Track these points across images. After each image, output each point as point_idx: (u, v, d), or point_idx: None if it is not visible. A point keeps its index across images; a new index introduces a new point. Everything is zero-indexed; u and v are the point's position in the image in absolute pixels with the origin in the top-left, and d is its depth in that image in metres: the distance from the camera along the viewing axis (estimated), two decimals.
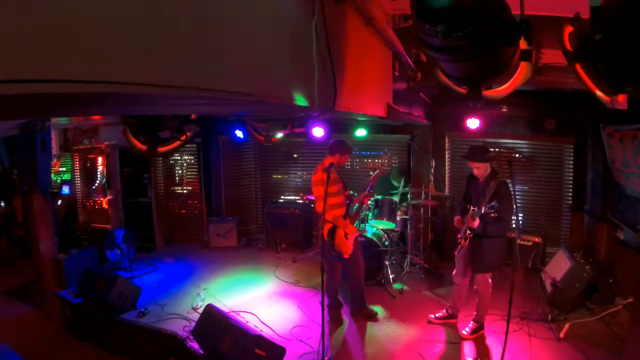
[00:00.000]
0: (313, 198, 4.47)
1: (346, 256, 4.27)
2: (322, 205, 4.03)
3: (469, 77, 2.09)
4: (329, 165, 3.95)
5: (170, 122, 5.12)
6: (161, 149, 5.60)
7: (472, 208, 3.77)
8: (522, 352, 3.69)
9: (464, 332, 4.06)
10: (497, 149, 6.26)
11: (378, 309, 4.71)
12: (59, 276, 5.11)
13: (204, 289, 5.24)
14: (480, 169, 3.89)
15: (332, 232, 4.24)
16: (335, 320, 4.46)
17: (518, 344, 3.82)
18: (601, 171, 5.22)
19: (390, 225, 5.67)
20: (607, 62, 1.88)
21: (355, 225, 4.43)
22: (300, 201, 7.44)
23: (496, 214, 3.60)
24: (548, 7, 2.45)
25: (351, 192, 4.67)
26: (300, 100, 2.01)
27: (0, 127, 4.71)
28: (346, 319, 4.52)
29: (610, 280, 4.52)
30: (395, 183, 6.26)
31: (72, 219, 7.53)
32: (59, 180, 7.87)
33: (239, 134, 6.51)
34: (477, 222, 3.69)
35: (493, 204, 3.58)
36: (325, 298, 4.45)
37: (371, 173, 5.62)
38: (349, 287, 4.68)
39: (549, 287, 4.63)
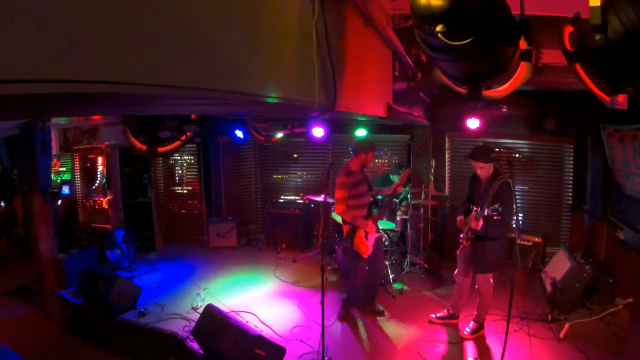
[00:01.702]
0: (314, 197, 4.47)
1: (365, 256, 4.28)
2: (341, 207, 4.16)
3: (469, 77, 2.09)
4: (328, 165, 4.01)
5: (170, 122, 5.13)
6: (161, 149, 5.61)
7: (474, 208, 3.77)
8: (522, 352, 3.69)
9: (464, 332, 4.06)
10: (497, 149, 6.26)
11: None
12: (59, 276, 5.11)
13: (204, 289, 5.24)
14: (484, 169, 3.90)
15: (352, 232, 4.26)
16: (345, 318, 4.47)
17: (518, 344, 3.82)
18: (601, 171, 5.22)
19: (390, 225, 5.68)
20: (607, 62, 1.88)
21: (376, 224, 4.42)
22: (300, 201, 7.44)
23: (499, 217, 3.60)
24: (548, 7, 2.45)
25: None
26: (300, 101, 2.01)
27: (0, 127, 4.71)
28: (347, 319, 4.52)
29: (610, 280, 4.51)
30: (395, 179, 6.24)
31: (72, 219, 7.52)
32: (59, 180, 7.87)
33: (239, 134, 6.51)
34: (480, 224, 3.69)
35: (496, 206, 3.58)
36: (342, 296, 4.48)
37: (400, 171, 5.69)
38: (365, 283, 4.69)
39: (549, 287, 4.63)
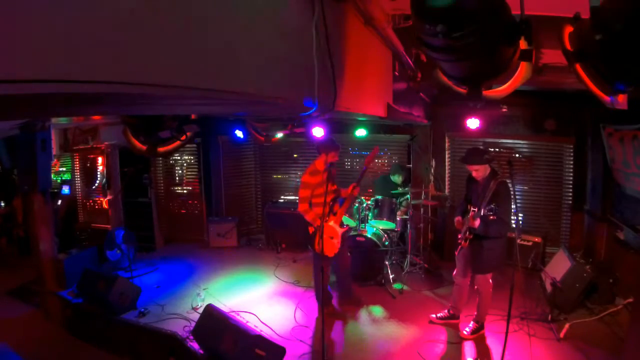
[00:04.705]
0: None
1: (331, 255, 4.31)
2: (304, 206, 4.23)
3: (469, 77, 2.09)
4: (330, 165, 3.99)
5: (170, 122, 5.12)
6: (161, 149, 5.60)
7: (472, 209, 3.77)
8: (522, 352, 3.69)
9: (464, 332, 4.07)
10: (497, 149, 6.26)
11: (378, 309, 4.72)
12: (59, 276, 5.10)
13: (204, 289, 5.24)
14: (479, 171, 3.89)
15: (315, 232, 4.26)
16: (332, 315, 4.47)
17: (518, 344, 3.82)
18: (601, 171, 5.22)
19: (390, 225, 5.67)
20: (607, 62, 1.88)
21: (341, 221, 4.47)
22: None
23: (495, 216, 3.60)
24: (548, 7, 2.45)
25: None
26: (300, 101, 2.01)
27: (0, 127, 4.71)
28: (346, 318, 4.52)
29: (610, 280, 4.51)
30: (395, 179, 6.23)
31: (72, 219, 7.52)
32: (59, 180, 7.86)
33: (239, 134, 6.50)
34: (477, 222, 3.69)
35: (492, 206, 3.58)
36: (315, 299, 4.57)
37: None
38: (336, 280, 4.80)
39: (549, 287, 4.63)
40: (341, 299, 4.75)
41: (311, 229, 4.35)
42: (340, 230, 4.34)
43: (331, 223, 4.31)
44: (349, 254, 4.67)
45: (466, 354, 3.82)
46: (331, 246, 4.29)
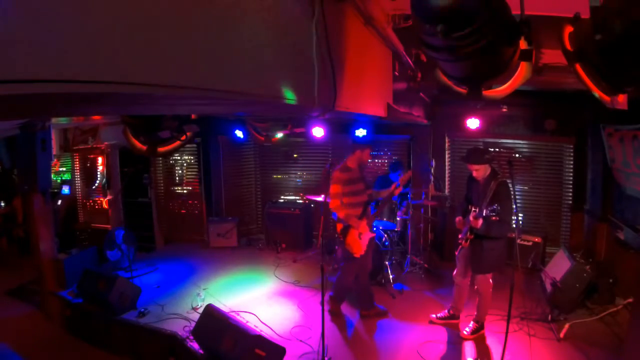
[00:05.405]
0: (314, 197, 4.43)
1: (357, 256, 4.23)
2: (335, 202, 4.16)
3: (469, 77, 2.09)
4: (328, 165, 4.00)
5: (170, 122, 5.12)
6: (161, 149, 5.60)
7: (473, 209, 3.77)
8: (522, 352, 3.69)
9: (464, 332, 4.06)
10: (497, 149, 6.26)
11: None
12: (59, 276, 5.11)
13: (204, 289, 5.24)
14: (480, 171, 3.89)
15: (345, 231, 4.22)
16: (335, 314, 4.47)
17: (518, 344, 3.81)
18: (601, 171, 5.22)
19: (390, 225, 5.67)
20: (607, 62, 1.88)
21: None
22: (300, 201, 7.44)
23: (497, 217, 3.59)
24: (548, 7, 2.45)
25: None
26: (300, 101, 2.01)
27: (0, 127, 4.71)
28: (347, 318, 4.52)
29: (610, 280, 4.51)
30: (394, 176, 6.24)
31: (72, 219, 7.53)
32: (59, 180, 7.87)
33: (239, 134, 6.51)
34: (480, 222, 3.68)
35: (494, 207, 3.57)
36: (329, 292, 4.51)
37: (400, 168, 5.83)
38: (354, 288, 4.69)
39: (549, 287, 4.62)
40: (363, 310, 4.56)
41: (340, 226, 4.29)
42: (369, 234, 4.28)
43: (364, 223, 4.25)
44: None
45: (466, 354, 3.82)
46: (359, 246, 4.22)
